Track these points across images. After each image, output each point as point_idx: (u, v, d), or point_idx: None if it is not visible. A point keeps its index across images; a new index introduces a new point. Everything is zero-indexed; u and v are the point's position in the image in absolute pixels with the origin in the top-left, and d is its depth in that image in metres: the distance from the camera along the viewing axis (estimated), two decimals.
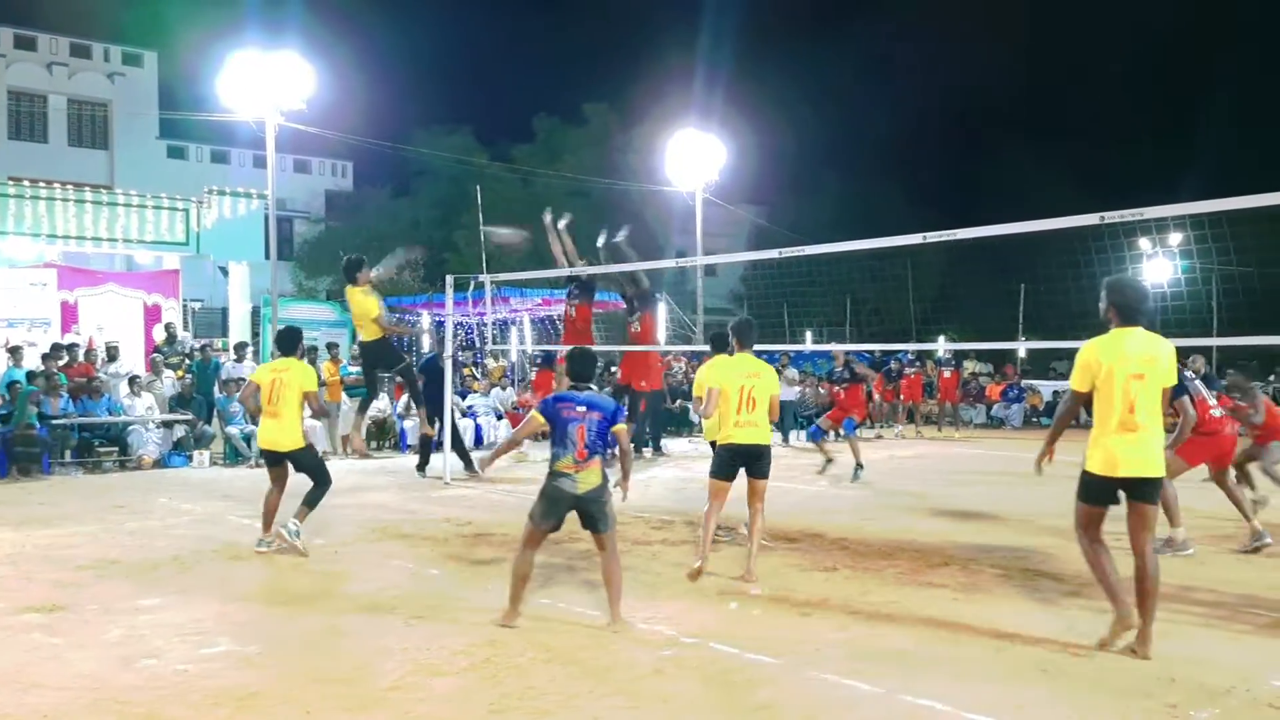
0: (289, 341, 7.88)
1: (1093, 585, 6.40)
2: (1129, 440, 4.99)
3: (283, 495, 7.62)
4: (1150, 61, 50.23)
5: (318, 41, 26.90)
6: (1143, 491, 5.02)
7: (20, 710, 4.27)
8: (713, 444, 7.31)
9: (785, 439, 16.99)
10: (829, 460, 12.23)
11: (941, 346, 22.67)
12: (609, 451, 5.65)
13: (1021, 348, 24.96)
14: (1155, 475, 5.03)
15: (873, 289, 30.67)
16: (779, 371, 17.72)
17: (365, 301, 10.40)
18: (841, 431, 12.97)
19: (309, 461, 7.70)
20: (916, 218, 28.01)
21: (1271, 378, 23.94)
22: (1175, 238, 22.48)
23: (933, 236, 8.90)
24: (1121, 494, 5.08)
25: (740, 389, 6.64)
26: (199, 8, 36.56)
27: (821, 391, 19.84)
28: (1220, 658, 4.97)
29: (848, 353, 13.71)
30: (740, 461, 6.71)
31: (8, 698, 4.40)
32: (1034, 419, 22.52)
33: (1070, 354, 8.16)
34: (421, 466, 12.63)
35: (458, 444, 13.01)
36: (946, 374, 20.23)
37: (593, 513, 5.51)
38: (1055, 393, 23.96)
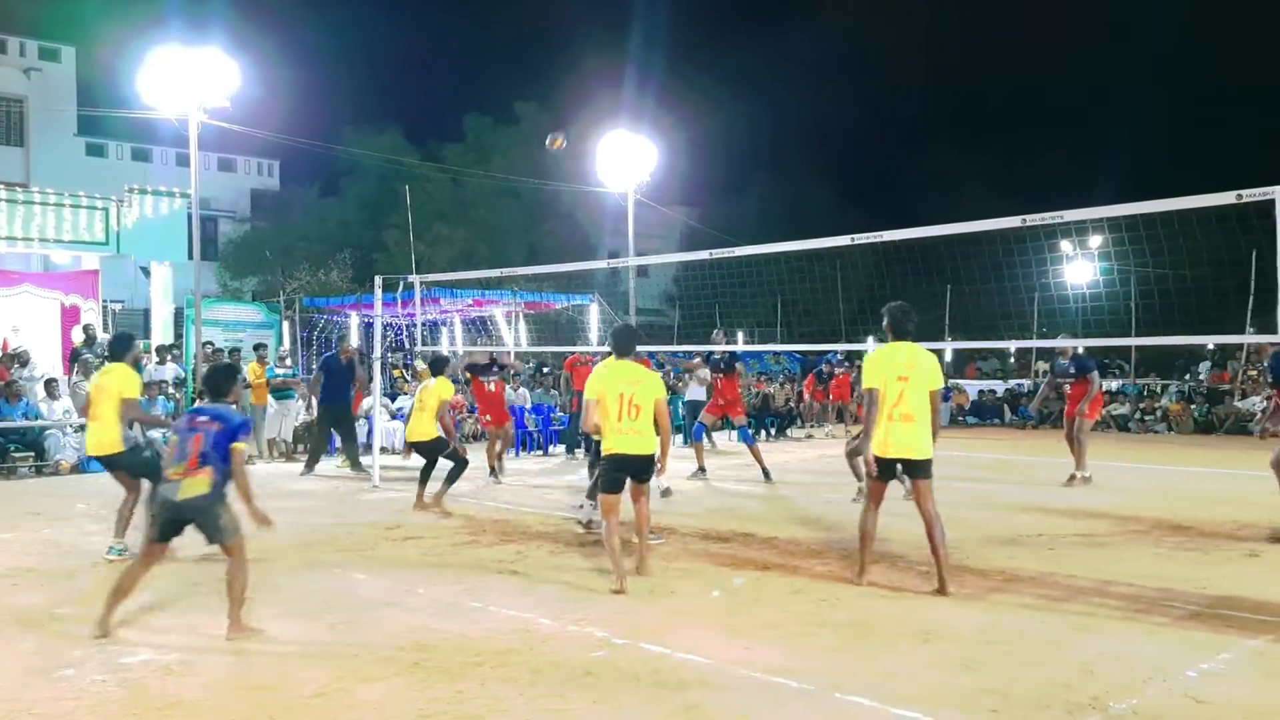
0: (117, 346, 7.83)
1: (1015, 580, 6.61)
2: (899, 429, 6.32)
3: (138, 500, 7.49)
4: (1070, 65, 51.64)
5: (243, 38, 26.40)
6: (915, 469, 6.41)
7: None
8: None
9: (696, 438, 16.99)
10: (701, 469, 12.44)
11: (870, 347, 23.03)
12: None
13: (948, 348, 25.47)
14: (921, 457, 6.37)
15: (802, 290, 30.97)
16: (691, 371, 17.90)
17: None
18: (736, 439, 13.14)
19: (126, 463, 7.52)
20: (845, 219, 28.49)
21: (1187, 377, 24.75)
22: (1095, 240, 23.16)
23: (861, 238, 9.05)
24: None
25: (620, 397, 6.52)
26: (119, 2, 35.60)
27: (753, 390, 20.04)
28: (1139, 650, 5.10)
29: (726, 340, 13.88)
30: (627, 471, 6.62)
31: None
32: (960, 417, 22.99)
33: (996, 353, 8.37)
34: (310, 465, 12.67)
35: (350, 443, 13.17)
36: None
37: (199, 522, 5.36)
38: (980, 392, 24.51)
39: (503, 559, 7.45)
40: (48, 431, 13.01)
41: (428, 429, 9.84)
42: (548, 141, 16.53)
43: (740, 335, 28.55)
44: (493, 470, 12.18)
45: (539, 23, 61.78)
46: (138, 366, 9.58)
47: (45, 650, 5.11)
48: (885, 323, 6.65)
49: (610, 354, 7.02)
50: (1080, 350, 12.25)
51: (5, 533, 8.47)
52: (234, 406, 5.70)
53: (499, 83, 58.85)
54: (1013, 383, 26.06)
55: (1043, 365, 24.74)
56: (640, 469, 6.63)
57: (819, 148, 45.28)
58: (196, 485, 5.32)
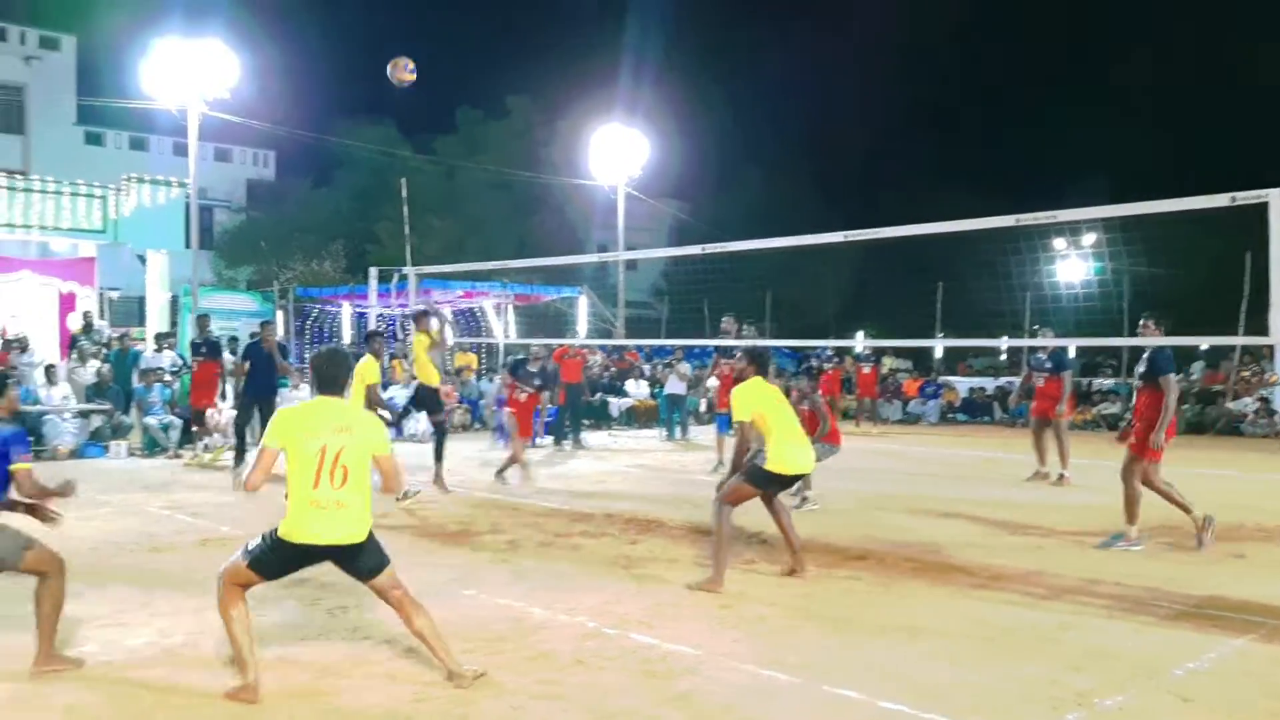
0: None
1: (1001, 578, 6.71)
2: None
3: None
4: (1064, 60, 51.76)
5: (240, 28, 26.34)
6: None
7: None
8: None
9: (675, 434, 17.16)
10: (721, 462, 11.53)
11: (860, 343, 23.14)
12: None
13: (939, 345, 25.58)
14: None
15: (793, 285, 31.11)
16: (672, 365, 17.92)
17: None
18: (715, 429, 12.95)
19: None
20: (835, 215, 28.57)
21: (1180, 377, 24.81)
22: (1089, 239, 23.24)
23: (854, 235, 9.13)
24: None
25: (321, 450, 4.33)
26: None
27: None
28: (1125, 648, 5.17)
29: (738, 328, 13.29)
30: (306, 563, 4.49)
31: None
32: (950, 415, 23.10)
33: (987, 351, 8.46)
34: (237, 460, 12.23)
35: None
36: (865, 370, 20.63)
37: None
38: (970, 389, 24.60)
39: (493, 549, 7.54)
40: (46, 417, 13.06)
41: None
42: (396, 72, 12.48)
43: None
44: (502, 472, 11.31)
45: (531, 15, 61.69)
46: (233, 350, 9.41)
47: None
48: (745, 363, 6.75)
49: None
50: (1054, 349, 11.61)
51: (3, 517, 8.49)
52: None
53: (491, 76, 58.71)
54: (1003, 380, 26.17)
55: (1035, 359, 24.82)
56: (337, 558, 4.43)
57: (809, 143, 45.30)
58: None
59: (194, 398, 13.40)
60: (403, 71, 11.52)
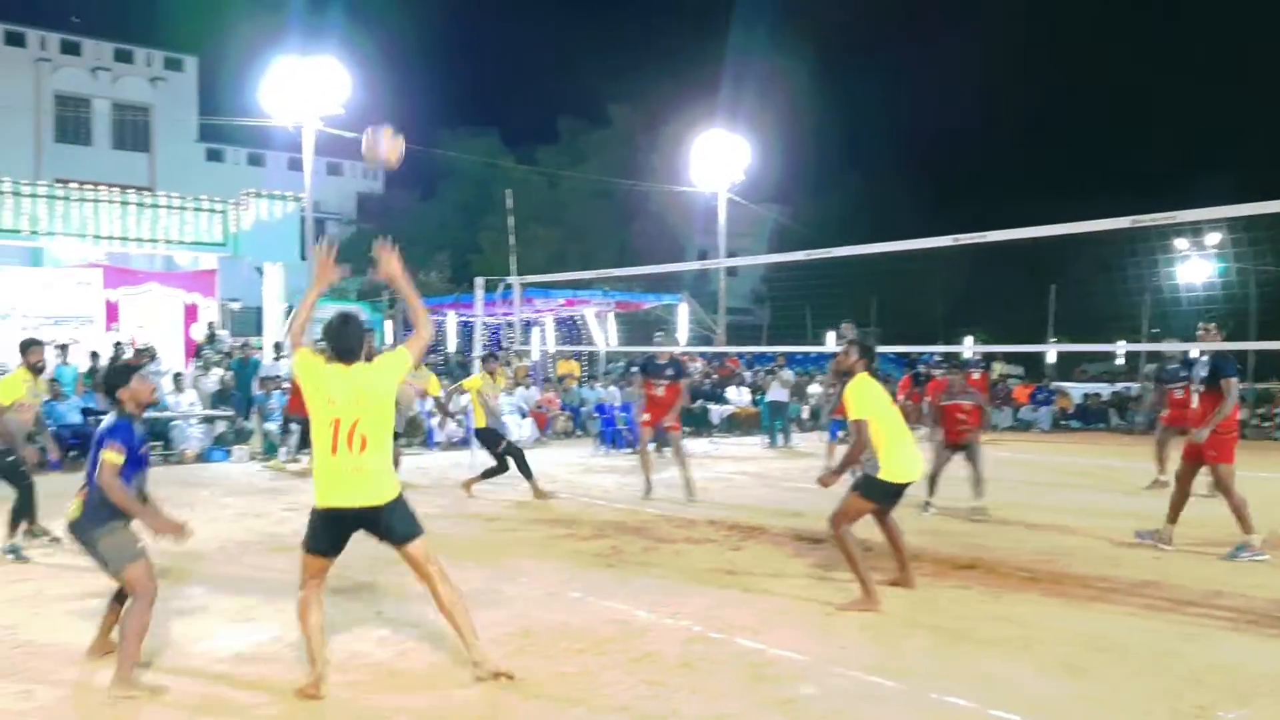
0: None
1: (1118, 590, 6.50)
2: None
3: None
4: (1181, 58, 49.77)
5: (351, 45, 27.26)
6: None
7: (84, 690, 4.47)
8: None
9: (777, 441, 17.04)
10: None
11: (968, 348, 22.63)
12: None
13: (1051, 350, 24.83)
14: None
15: (898, 289, 30.57)
16: (774, 371, 17.76)
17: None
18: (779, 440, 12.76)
19: None
20: (940, 217, 27.98)
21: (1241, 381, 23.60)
22: (1212, 238, 22.28)
23: (964, 238, 8.95)
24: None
25: (334, 421, 4.42)
26: (237, 14, 37.08)
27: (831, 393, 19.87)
28: (1250, 661, 5.00)
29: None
30: (343, 529, 4.52)
31: (76, 677, 4.60)
32: (1063, 422, 22.41)
33: (1102, 356, 8.21)
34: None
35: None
36: (975, 376, 20.16)
37: (86, 551, 4.72)
38: (1085, 395, 23.82)
39: (598, 552, 7.64)
40: (173, 423, 13.72)
41: None
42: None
43: (831, 336, 28.31)
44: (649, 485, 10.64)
45: (632, 25, 62.16)
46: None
47: (183, 627, 5.47)
48: (857, 357, 6.28)
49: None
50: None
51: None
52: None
53: (593, 85, 59.31)
54: (1120, 386, 25.27)
55: (1154, 368, 23.91)
56: (367, 524, 4.50)
57: (913, 143, 44.50)
58: (74, 509, 4.73)
59: (291, 406, 13.52)
60: (386, 147, 7.41)
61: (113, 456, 4.57)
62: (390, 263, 4.73)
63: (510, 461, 10.63)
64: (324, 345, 4.64)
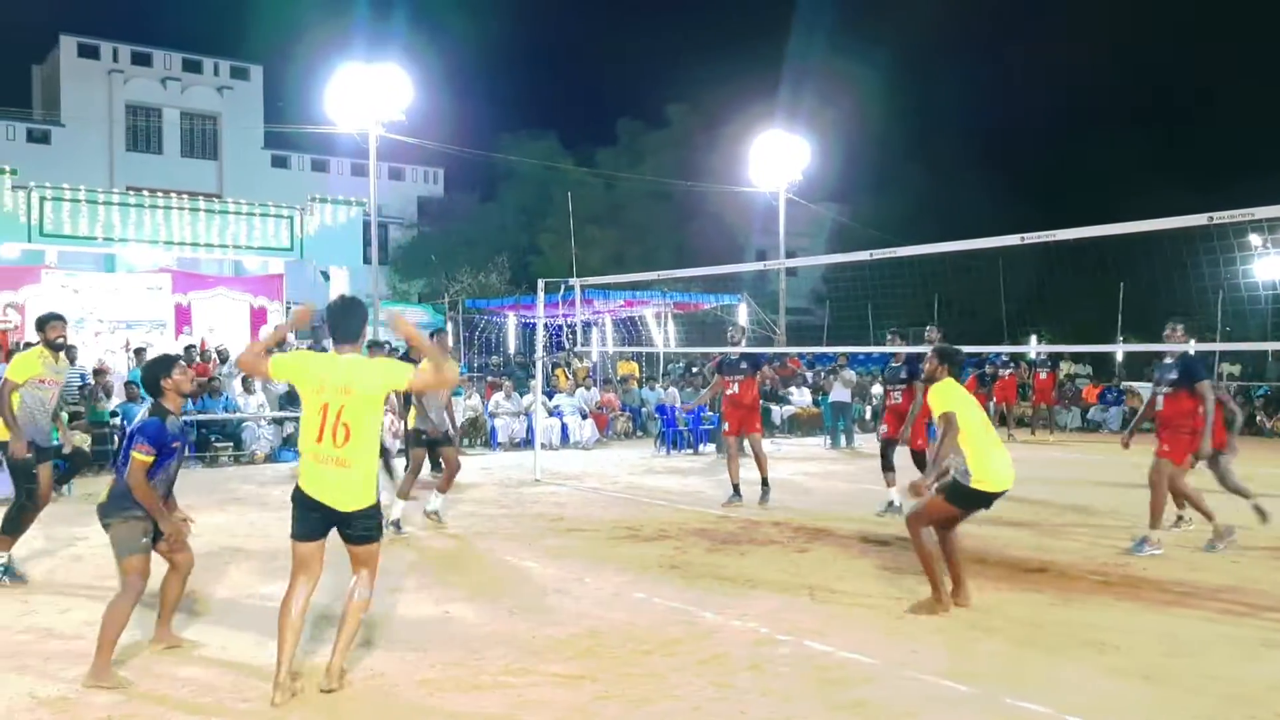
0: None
1: (1195, 594, 6.36)
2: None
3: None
4: (1258, 51, 48.31)
5: (412, 51, 27.66)
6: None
7: (166, 688, 4.62)
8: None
9: (840, 442, 16.91)
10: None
11: (1034, 348, 22.23)
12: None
13: (1120, 350, 24.28)
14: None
15: (961, 288, 30.08)
16: (835, 372, 17.59)
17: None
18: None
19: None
20: (1004, 215, 27.50)
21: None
22: None
23: (1031, 237, 8.78)
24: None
25: (323, 407, 4.43)
26: (301, 24, 37.92)
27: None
28: None
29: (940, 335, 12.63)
30: (318, 515, 4.51)
31: (160, 680, 4.74)
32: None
33: (1173, 356, 8.05)
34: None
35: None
36: (1042, 375, 19.84)
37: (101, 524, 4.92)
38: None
39: (661, 553, 7.65)
40: (244, 423, 14.04)
41: None
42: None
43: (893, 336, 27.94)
44: (736, 490, 10.30)
45: (690, 25, 62.02)
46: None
47: (260, 625, 5.60)
48: (937, 364, 6.20)
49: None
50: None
51: (214, 517, 9.20)
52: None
53: (651, 86, 59.44)
54: None
55: (1228, 368, 23.24)
56: (335, 521, 4.51)
57: (975, 140, 43.63)
58: (104, 494, 4.96)
59: None
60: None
61: (141, 457, 4.74)
62: (401, 325, 4.85)
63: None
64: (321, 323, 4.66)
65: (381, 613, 5.87)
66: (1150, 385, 9.60)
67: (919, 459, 9.00)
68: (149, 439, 4.78)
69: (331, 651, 4.54)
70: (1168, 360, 8.14)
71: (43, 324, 6.81)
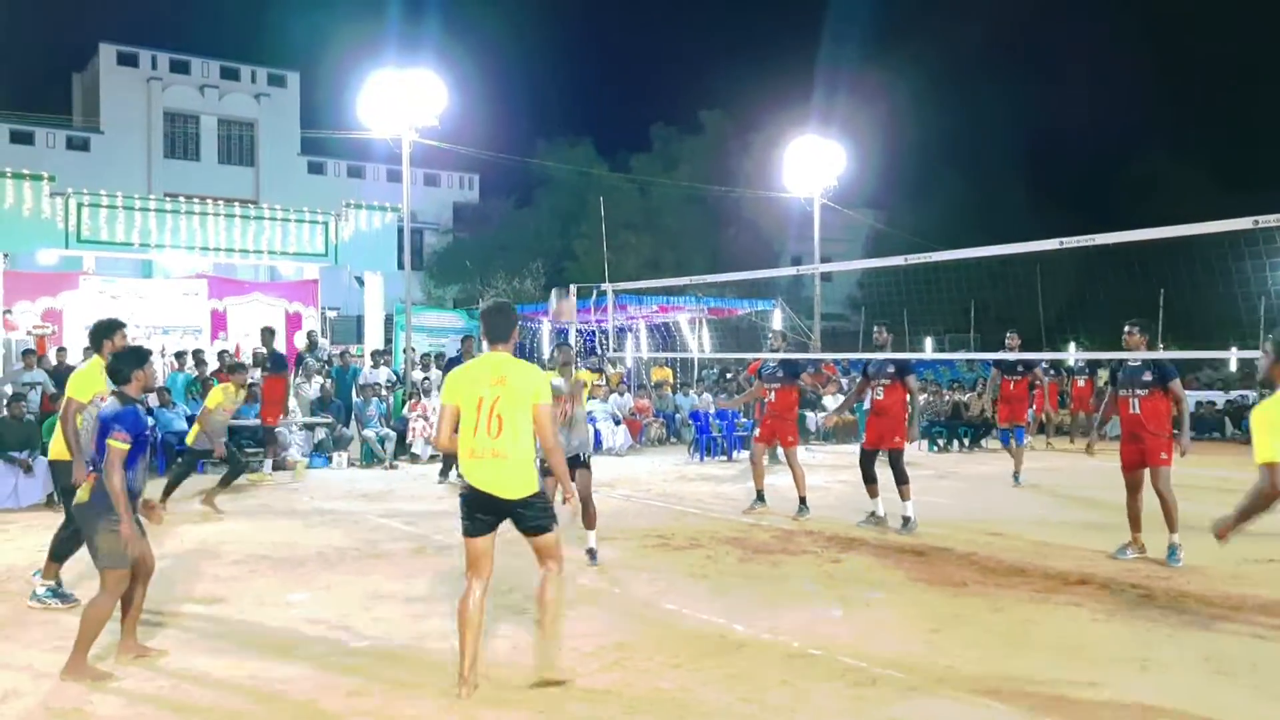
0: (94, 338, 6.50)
1: (1242, 608, 6.17)
2: None
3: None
4: None
5: (447, 56, 27.83)
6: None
7: (191, 698, 4.58)
8: None
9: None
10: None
11: (1072, 355, 21.87)
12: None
13: (1160, 358, 23.82)
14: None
15: (998, 294, 29.73)
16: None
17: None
18: (1013, 442, 12.86)
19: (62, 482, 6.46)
20: (1041, 219, 27.10)
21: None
22: None
23: (1070, 242, 8.64)
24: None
25: (478, 402, 4.65)
26: (336, 31, 38.26)
27: (946, 399, 19.42)
28: None
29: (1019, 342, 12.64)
30: (484, 511, 4.62)
31: (178, 686, 4.72)
32: (1174, 431, 21.47)
33: (1215, 363, 7.83)
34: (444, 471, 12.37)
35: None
36: (1080, 383, 19.52)
37: (85, 536, 4.99)
38: (1198, 404, 22.80)
39: (693, 563, 7.55)
40: (276, 429, 14.07)
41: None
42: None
43: (929, 342, 27.70)
44: (760, 495, 10.27)
45: (724, 31, 62.01)
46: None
47: (285, 632, 5.58)
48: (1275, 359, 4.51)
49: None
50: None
51: (241, 524, 9.23)
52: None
53: (685, 92, 59.48)
54: (1235, 394, 24.15)
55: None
56: (504, 512, 4.64)
57: (1012, 145, 43.13)
58: (83, 492, 4.98)
59: (262, 414, 13.26)
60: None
61: (119, 445, 4.77)
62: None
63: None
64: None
65: (406, 622, 5.83)
66: (1196, 392, 9.41)
67: (895, 458, 9.07)
68: (126, 426, 4.82)
69: (542, 652, 4.83)
70: (1134, 364, 7.93)
71: (110, 332, 6.08)
